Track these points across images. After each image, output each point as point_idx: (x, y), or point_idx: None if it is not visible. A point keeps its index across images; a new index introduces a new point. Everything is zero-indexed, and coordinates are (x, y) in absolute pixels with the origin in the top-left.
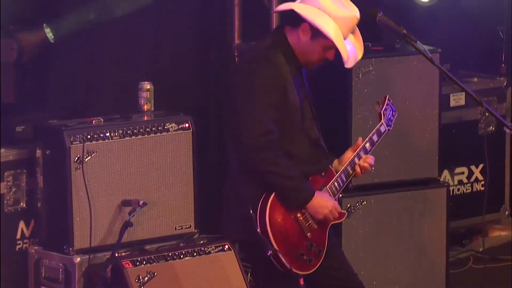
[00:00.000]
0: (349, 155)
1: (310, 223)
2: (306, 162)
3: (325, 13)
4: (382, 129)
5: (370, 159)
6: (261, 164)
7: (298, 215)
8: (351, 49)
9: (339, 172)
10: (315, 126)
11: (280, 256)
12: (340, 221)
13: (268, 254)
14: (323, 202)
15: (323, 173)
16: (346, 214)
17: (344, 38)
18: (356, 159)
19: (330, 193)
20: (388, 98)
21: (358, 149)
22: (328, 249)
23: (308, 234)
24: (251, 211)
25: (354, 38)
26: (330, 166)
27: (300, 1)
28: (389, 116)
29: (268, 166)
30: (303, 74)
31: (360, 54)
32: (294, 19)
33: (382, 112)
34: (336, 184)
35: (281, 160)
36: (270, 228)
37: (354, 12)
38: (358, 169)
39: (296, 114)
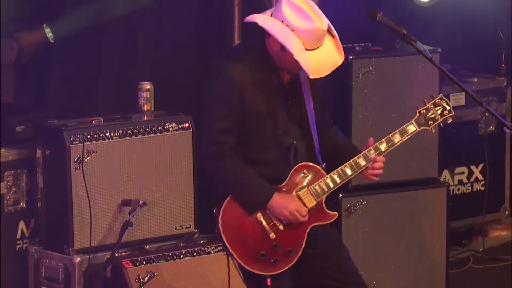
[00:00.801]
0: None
1: (274, 224)
2: (273, 166)
3: (287, 27)
4: (410, 128)
5: (378, 162)
6: (212, 173)
7: (258, 215)
8: (323, 58)
9: (332, 173)
10: (296, 131)
11: (234, 256)
12: (327, 222)
13: (224, 254)
14: (283, 204)
15: (307, 173)
16: (336, 214)
17: (313, 48)
18: (359, 161)
19: (312, 193)
20: (441, 97)
21: (366, 149)
22: (326, 250)
23: (271, 234)
24: (214, 211)
25: (334, 43)
26: (320, 166)
27: (268, 12)
28: (431, 115)
29: (218, 174)
30: (298, 78)
31: (339, 60)
32: (263, 30)
33: (419, 111)
34: (323, 185)
35: (231, 167)
36: (222, 230)
37: (317, 25)
38: (366, 172)
39: (263, 120)
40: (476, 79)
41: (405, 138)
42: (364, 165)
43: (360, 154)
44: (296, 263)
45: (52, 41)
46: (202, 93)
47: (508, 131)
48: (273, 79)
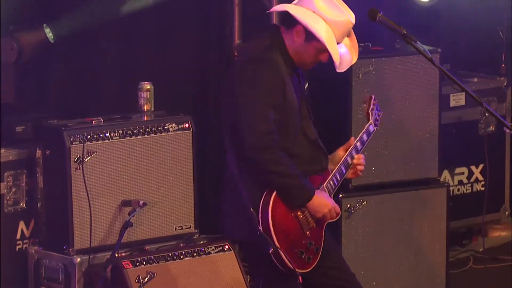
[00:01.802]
0: (341, 154)
1: (309, 221)
2: (306, 161)
3: (319, 17)
4: (371, 128)
5: (362, 159)
6: (264, 164)
7: (299, 213)
8: (344, 53)
9: (334, 171)
10: (312, 126)
11: (282, 253)
12: (334, 220)
13: (270, 252)
14: (324, 201)
15: (321, 172)
16: (340, 212)
17: (338, 42)
18: (349, 159)
19: (326, 191)
20: (374, 98)
21: (350, 148)
22: (326, 249)
23: (308, 232)
24: (252, 210)
25: (350, 42)
26: (327, 163)
27: (296, 3)
28: (376, 116)
29: (271, 166)
30: (299, 74)
31: (354, 58)
32: (289, 21)
33: (369, 111)
34: (331, 183)
35: (283, 159)
36: (272, 226)
37: (348, 17)
38: (354, 169)
39: (295, 114)
40: (476, 79)
41: (370, 138)
42: (351, 164)
43: (347, 153)
44: None
45: (52, 41)
46: (235, 85)
47: (508, 131)
48: (295, 77)
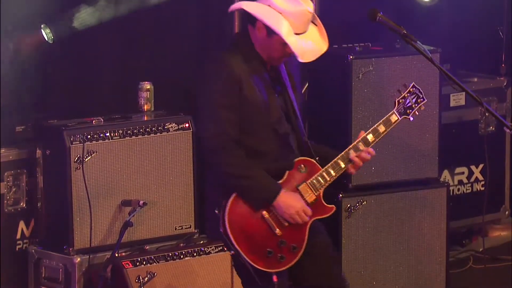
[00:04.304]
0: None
1: (279, 220)
2: (275, 158)
3: (275, 10)
4: (393, 118)
5: (368, 152)
6: (217, 166)
7: (264, 212)
8: (310, 44)
9: (327, 166)
10: (286, 121)
11: (243, 255)
12: (326, 216)
13: (231, 253)
14: (290, 202)
15: (304, 168)
16: (334, 208)
17: (300, 33)
18: (351, 152)
19: (311, 188)
20: (414, 86)
21: (356, 141)
22: (314, 248)
23: (277, 231)
24: (216, 211)
25: (318, 31)
26: (315, 160)
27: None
28: (408, 104)
29: (223, 167)
30: (280, 71)
31: (324, 47)
32: (250, 18)
33: (397, 100)
34: (320, 178)
35: (237, 160)
36: (229, 228)
37: (305, 7)
38: (355, 160)
39: (259, 110)
40: (476, 79)
41: (390, 129)
42: (354, 156)
43: (351, 146)
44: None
45: (52, 42)
46: (199, 86)
47: (508, 131)
48: (262, 73)
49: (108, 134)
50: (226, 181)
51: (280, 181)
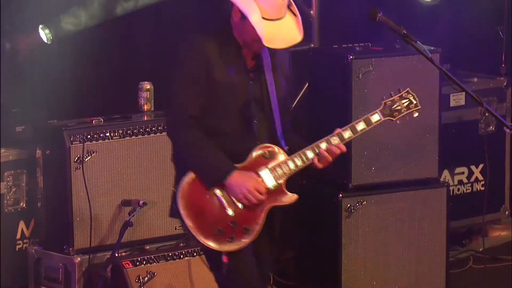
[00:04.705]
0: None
1: (233, 201)
2: (235, 141)
3: None
4: (374, 118)
5: (339, 148)
6: (176, 140)
7: (218, 191)
8: (281, 31)
9: (293, 155)
10: (256, 109)
11: (192, 232)
12: (286, 204)
13: (182, 228)
14: (242, 181)
15: (268, 154)
16: (296, 196)
17: (273, 19)
18: (323, 144)
19: (273, 173)
20: (408, 91)
21: (330, 135)
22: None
23: (230, 211)
24: (174, 188)
25: (295, 22)
26: (282, 149)
27: None
28: (397, 107)
29: (181, 143)
30: (262, 58)
31: (298, 37)
32: (229, 2)
33: (385, 101)
34: (284, 166)
35: (194, 138)
36: (181, 204)
37: None
38: (324, 154)
39: (226, 93)
40: (476, 79)
41: (369, 128)
42: (324, 149)
43: (323, 139)
44: (256, 242)
45: (50, 42)
46: (170, 64)
47: (508, 131)
48: (237, 58)
49: (108, 134)
50: (182, 157)
51: (241, 164)
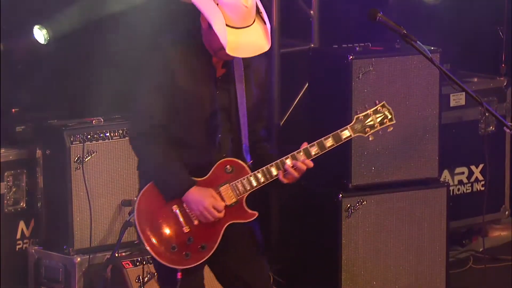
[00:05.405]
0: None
1: (189, 217)
2: (200, 153)
3: (213, 1)
4: (345, 134)
5: (305, 164)
6: (138, 149)
7: (174, 207)
8: (247, 40)
9: (256, 171)
10: (223, 119)
11: (146, 246)
12: (246, 221)
13: (136, 242)
14: (199, 198)
15: (230, 169)
16: (256, 214)
17: (239, 28)
18: (288, 161)
19: (233, 190)
20: (384, 105)
21: (296, 151)
22: (238, 252)
23: (185, 228)
24: (134, 198)
25: (263, 30)
26: (246, 163)
27: None
28: (370, 123)
29: (143, 153)
30: (232, 67)
31: (265, 46)
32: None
33: (357, 116)
34: (245, 182)
35: (155, 149)
36: (137, 217)
37: (241, 1)
38: (289, 170)
39: (191, 101)
40: (476, 79)
41: (339, 144)
42: (289, 165)
43: (289, 155)
44: (214, 257)
45: (46, 43)
46: (139, 69)
47: (508, 131)
48: (205, 66)
49: (108, 134)
50: (142, 168)
51: (202, 178)
